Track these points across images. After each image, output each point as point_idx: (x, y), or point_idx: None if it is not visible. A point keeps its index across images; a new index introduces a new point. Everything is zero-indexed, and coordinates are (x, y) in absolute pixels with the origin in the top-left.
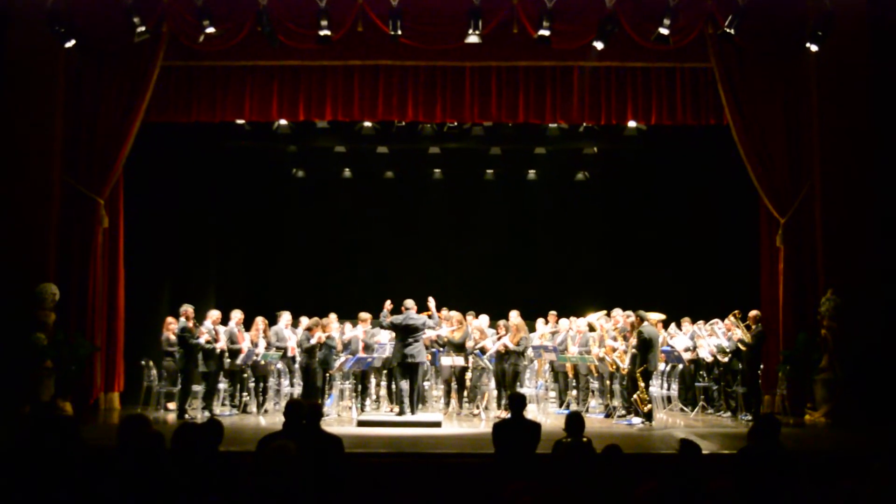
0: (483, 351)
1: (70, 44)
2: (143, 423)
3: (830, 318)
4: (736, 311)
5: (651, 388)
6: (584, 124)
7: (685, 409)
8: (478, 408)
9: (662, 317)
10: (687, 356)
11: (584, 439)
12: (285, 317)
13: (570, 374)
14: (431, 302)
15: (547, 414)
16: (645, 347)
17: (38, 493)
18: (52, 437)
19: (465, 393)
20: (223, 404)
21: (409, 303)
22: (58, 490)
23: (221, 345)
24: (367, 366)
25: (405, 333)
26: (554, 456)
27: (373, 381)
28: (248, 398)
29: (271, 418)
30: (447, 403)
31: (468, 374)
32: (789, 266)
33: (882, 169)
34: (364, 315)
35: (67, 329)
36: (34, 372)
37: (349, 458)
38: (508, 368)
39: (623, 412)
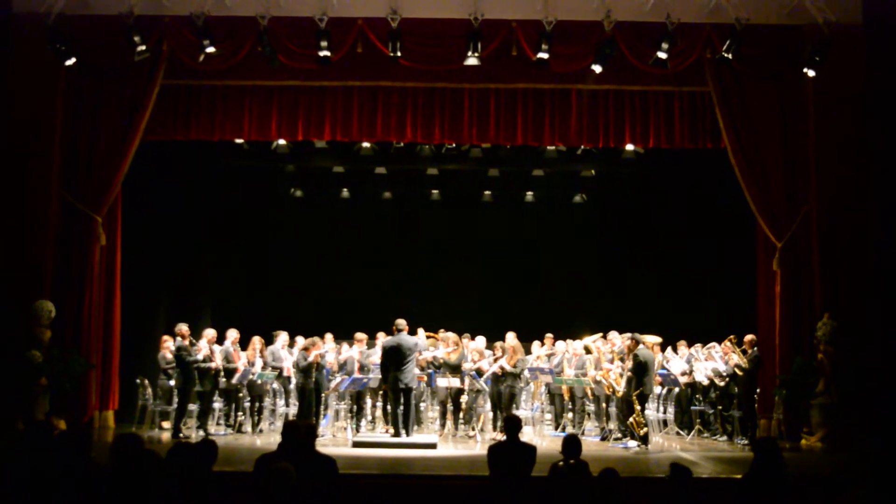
0: (479, 372)
1: (70, 62)
2: (136, 442)
3: (827, 342)
4: (731, 337)
5: (647, 412)
6: (583, 147)
7: (681, 432)
8: (473, 430)
9: (659, 339)
10: (683, 379)
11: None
12: (282, 337)
13: (567, 397)
14: (421, 332)
15: (543, 436)
16: (640, 371)
17: None
18: (59, 453)
19: (461, 415)
20: (218, 424)
21: (401, 323)
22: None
23: (217, 364)
24: (362, 386)
25: (398, 357)
26: (550, 478)
27: (368, 401)
28: (243, 418)
29: (266, 438)
30: (443, 425)
31: (464, 396)
32: (786, 290)
33: (879, 194)
34: (360, 335)
35: (63, 346)
36: (29, 389)
37: (344, 480)
38: (504, 390)
39: (619, 435)
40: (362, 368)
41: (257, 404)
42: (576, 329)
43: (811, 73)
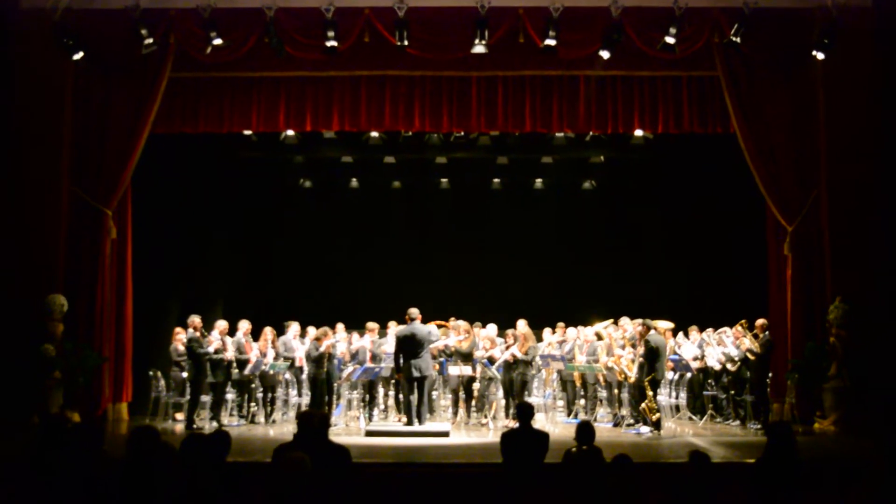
0: (491, 360)
1: (78, 56)
2: (153, 435)
3: (839, 325)
4: (743, 321)
5: (659, 397)
6: (591, 133)
7: (694, 417)
8: (486, 417)
9: (671, 325)
10: (695, 365)
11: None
12: (294, 327)
13: (578, 384)
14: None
15: (555, 423)
16: (652, 356)
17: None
18: (72, 446)
19: (473, 402)
20: (231, 415)
21: (414, 311)
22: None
23: (229, 355)
24: (374, 375)
25: (412, 346)
26: (564, 465)
27: (381, 390)
28: (255, 409)
29: (279, 429)
30: (455, 413)
31: (476, 384)
32: (797, 274)
33: (889, 175)
34: (372, 325)
35: (76, 340)
36: (42, 383)
37: (357, 468)
38: (516, 378)
39: (631, 421)
40: (374, 358)
41: (270, 395)
42: (587, 315)
43: (820, 56)
